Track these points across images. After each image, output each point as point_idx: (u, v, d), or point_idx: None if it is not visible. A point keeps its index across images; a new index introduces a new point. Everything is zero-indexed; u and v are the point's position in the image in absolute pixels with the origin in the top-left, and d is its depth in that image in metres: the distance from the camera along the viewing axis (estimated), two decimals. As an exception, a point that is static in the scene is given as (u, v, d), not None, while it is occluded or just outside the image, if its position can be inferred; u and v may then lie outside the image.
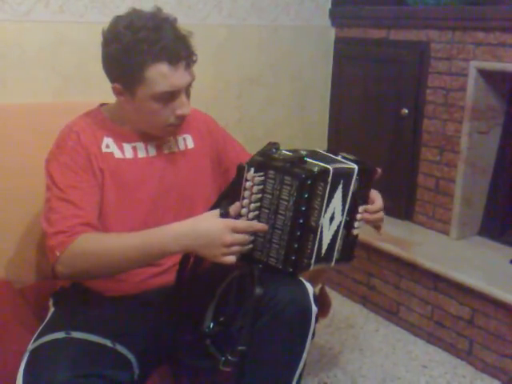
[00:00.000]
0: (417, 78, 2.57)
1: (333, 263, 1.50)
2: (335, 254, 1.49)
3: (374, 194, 1.57)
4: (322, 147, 2.94)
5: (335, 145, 2.97)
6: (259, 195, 1.34)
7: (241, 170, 1.33)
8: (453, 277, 2.24)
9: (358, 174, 1.45)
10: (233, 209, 1.32)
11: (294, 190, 1.30)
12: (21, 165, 1.78)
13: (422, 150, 2.61)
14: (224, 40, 2.51)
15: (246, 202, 1.33)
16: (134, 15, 1.42)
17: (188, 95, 1.49)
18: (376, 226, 1.61)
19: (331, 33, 2.91)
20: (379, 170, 1.56)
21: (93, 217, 1.41)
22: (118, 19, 1.43)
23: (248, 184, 1.32)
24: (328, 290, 1.95)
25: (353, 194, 1.46)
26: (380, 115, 2.76)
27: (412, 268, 2.41)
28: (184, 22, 2.28)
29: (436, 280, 2.33)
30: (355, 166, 1.45)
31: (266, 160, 1.34)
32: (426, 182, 2.62)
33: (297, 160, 1.34)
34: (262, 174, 1.33)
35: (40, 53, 2.02)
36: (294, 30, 2.74)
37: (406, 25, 2.58)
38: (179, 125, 1.52)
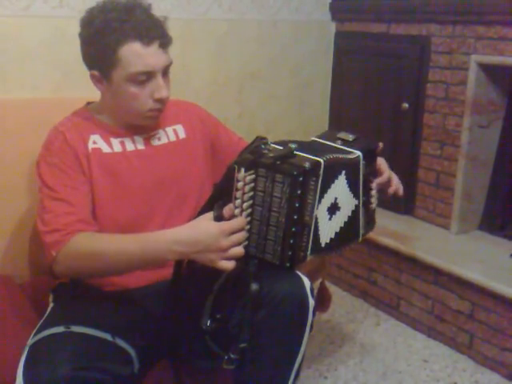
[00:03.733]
0: (417, 72, 2.56)
1: (360, 238, 1.57)
2: (361, 231, 1.55)
3: (379, 163, 1.59)
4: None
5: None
6: (251, 193, 1.32)
7: (231, 171, 1.30)
8: (453, 271, 2.24)
9: (363, 159, 1.46)
10: (226, 211, 1.30)
11: (287, 187, 1.28)
12: (20, 160, 1.78)
13: (423, 145, 2.61)
14: (224, 35, 2.51)
15: (238, 202, 1.31)
16: (108, 0, 1.44)
17: (167, 80, 1.48)
18: (396, 192, 1.68)
19: (331, 27, 2.91)
20: (381, 145, 1.58)
21: (85, 213, 1.41)
22: (92, 7, 1.45)
23: (240, 184, 1.30)
24: (328, 284, 1.96)
25: (363, 177, 1.49)
26: (380, 110, 2.76)
27: (412, 262, 2.41)
28: (183, 17, 2.30)
29: (436, 274, 2.33)
30: (359, 154, 1.45)
31: (255, 158, 1.32)
32: (427, 177, 2.62)
33: (287, 155, 1.32)
34: (252, 172, 1.31)
35: (39, 48, 2.01)
36: (294, 25, 2.74)
37: (407, 19, 2.58)
38: (159, 110, 1.50)
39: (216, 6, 2.44)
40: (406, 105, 2.61)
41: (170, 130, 1.62)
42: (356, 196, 1.49)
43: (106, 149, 1.51)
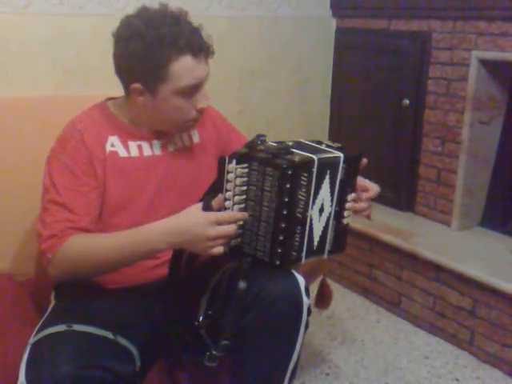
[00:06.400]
0: (418, 69, 2.56)
1: (325, 255, 1.49)
2: (327, 246, 1.48)
3: (367, 183, 1.56)
4: (322, 138, 2.95)
5: (336, 136, 2.97)
6: (244, 187, 1.33)
7: (222, 163, 1.31)
8: (454, 267, 2.24)
9: (344, 162, 1.44)
10: (215, 202, 1.31)
11: (276, 180, 1.29)
12: (22, 158, 1.78)
13: (424, 141, 2.61)
14: (224, 31, 2.51)
15: (229, 194, 1.31)
16: (151, 12, 1.42)
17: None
18: (366, 214, 1.60)
19: (332, 23, 2.90)
20: (365, 160, 1.54)
21: (87, 222, 1.40)
22: (131, 18, 1.42)
23: (230, 176, 1.30)
24: (329, 281, 1.95)
25: (340, 182, 1.44)
26: (381, 106, 2.75)
27: (413, 259, 2.41)
28: (184, 14, 2.29)
29: (437, 271, 2.33)
30: (341, 154, 1.43)
31: (249, 152, 1.33)
32: (428, 173, 2.62)
33: (281, 151, 1.32)
34: (245, 165, 1.31)
35: (40, 45, 2.01)
36: (294, 21, 2.74)
37: (408, 15, 2.57)
38: (198, 120, 1.52)
39: (216, 2, 2.44)
40: (406, 101, 2.61)
41: (184, 134, 1.61)
42: (331, 202, 1.45)
43: (122, 153, 1.49)
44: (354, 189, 1.50)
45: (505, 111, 2.46)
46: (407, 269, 2.47)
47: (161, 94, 1.42)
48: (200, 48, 1.41)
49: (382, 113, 2.76)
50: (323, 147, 1.46)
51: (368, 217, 1.60)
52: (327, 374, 2.14)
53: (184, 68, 1.39)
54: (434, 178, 2.59)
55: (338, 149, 1.46)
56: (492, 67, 2.34)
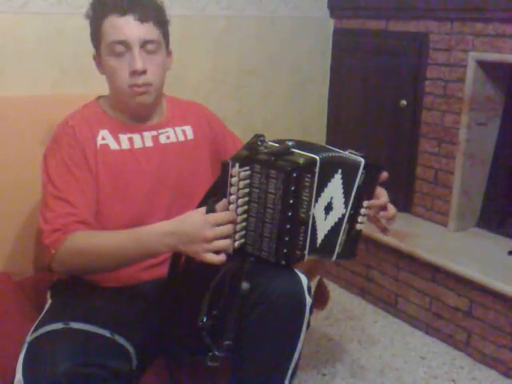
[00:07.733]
0: (415, 70, 2.56)
1: (334, 257, 1.50)
2: (337, 248, 1.49)
3: (380, 191, 1.57)
4: (320, 139, 2.96)
5: (334, 137, 2.97)
6: (247, 190, 1.32)
7: (225, 166, 1.29)
8: (451, 268, 2.24)
9: (364, 168, 1.45)
10: (219, 206, 1.29)
11: (280, 183, 1.28)
12: (19, 157, 1.77)
13: (421, 142, 2.61)
14: (222, 31, 2.50)
15: (233, 197, 1.30)
16: None
17: (152, 58, 1.47)
18: (383, 226, 1.61)
19: (330, 24, 2.90)
20: (385, 173, 1.55)
21: (87, 214, 1.42)
22: None
23: (234, 180, 1.29)
24: (326, 281, 1.96)
25: (358, 187, 1.46)
26: (379, 107, 2.76)
27: (410, 260, 2.42)
28: (182, 13, 2.29)
29: (434, 272, 2.33)
30: (362, 159, 1.45)
31: (251, 154, 1.32)
32: (425, 174, 2.62)
33: (283, 152, 1.32)
34: (247, 168, 1.31)
35: (38, 45, 2.01)
36: (292, 22, 2.73)
37: (405, 16, 2.57)
38: (139, 86, 1.46)
39: (214, 2, 2.44)
40: (404, 102, 2.61)
41: (179, 129, 1.62)
42: (345, 204, 1.46)
43: (113, 146, 1.51)
44: (371, 197, 1.52)
45: (502, 112, 2.47)
46: (404, 269, 2.47)
47: (102, 55, 1.49)
48: (126, 7, 1.44)
49: (379, 113, 2.76)
50: (345, 152, 1.48)
51: (384, 231, 1.63)
52: (323, 375, 2.14)
53: (110, 25, 1.45)
54: (431, 178, 2.60)
55: (360, 155, 1.48)
56: (489, 68, 2.34)
